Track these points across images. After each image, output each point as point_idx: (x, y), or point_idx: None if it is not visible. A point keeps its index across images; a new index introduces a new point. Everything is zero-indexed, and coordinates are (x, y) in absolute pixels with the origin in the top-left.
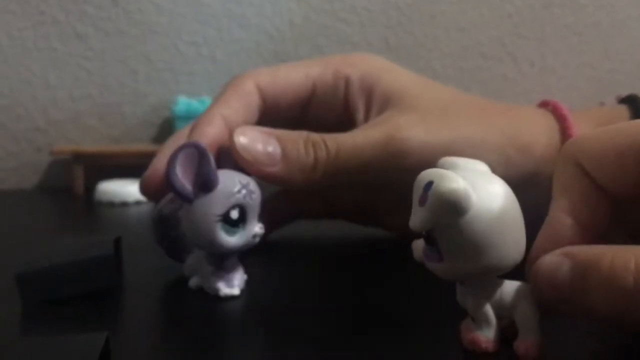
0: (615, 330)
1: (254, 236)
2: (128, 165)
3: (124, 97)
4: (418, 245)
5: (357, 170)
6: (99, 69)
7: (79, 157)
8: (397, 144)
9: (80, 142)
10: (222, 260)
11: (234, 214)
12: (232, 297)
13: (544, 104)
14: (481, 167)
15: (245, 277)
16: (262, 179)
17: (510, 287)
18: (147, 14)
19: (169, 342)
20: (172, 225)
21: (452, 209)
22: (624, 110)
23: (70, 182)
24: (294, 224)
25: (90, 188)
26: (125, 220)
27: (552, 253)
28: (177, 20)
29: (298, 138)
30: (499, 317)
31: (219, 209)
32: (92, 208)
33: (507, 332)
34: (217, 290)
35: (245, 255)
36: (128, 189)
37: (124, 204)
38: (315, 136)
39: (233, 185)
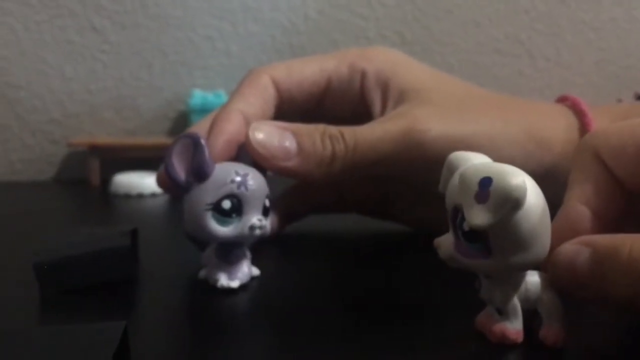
0: (633, 317)
1: (252, 228)
2: (144, 158)
3: (140, 90)
4: (445, 243)
5: (375, 163)
6: (115, 61)
7: (94, 150)
8: (415, 137)
9: (96, 134)
10: (228, 253)
11: (226, 204)
12: (241, 289)
13: (562, 99)
14: (487, 160)
15: (257, 272)
16: (279, 173)
17: (532, 277)
18: (163, 8)
19: (185, 332)
20: None
21: (516, 204)
22: None
23: (86, 174)
24: (307, 218)
25: (106, 180)
26: (141, 212)
27: (571, 242)
28: (193, 13)
29: (314, 131)
30: (524, 307)
31: (210, 198)
32: (108, 200)
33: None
34: (216, 281)
35: (259, 250)
36: (144, 181)
37: (140, 196)
38: (333, 129)
39: (227, 175)
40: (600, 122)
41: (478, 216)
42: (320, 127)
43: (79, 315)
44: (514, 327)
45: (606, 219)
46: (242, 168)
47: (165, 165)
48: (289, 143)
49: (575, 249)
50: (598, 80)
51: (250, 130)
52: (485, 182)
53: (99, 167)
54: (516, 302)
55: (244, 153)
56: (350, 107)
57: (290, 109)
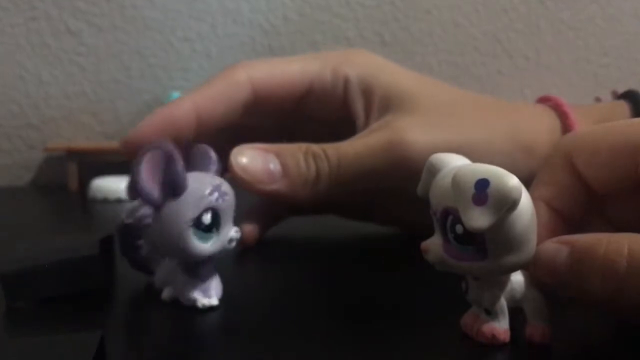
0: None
1: (230, 241)
2: (122, 162)
3: (118, 94)
4: (434, 246)
5: (360, 178)
6: (92, 65)
7: (72, 154)
8: (399, 150)
9: (73, 138)
10: (198, 269)
11: (207, 218)
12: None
13: (544, 100)
14: (467, 162)
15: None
16: (265, 196)
17: (517, 276)
18: (141, 10)
19: (162, 342)
20: (135, 235)
21: (514, 205)
22: (624, 106)
23: (64, 179)
24: (283, 224)
25: (84, 185)
26: (120, 217)
27: (551, 240)
28: (171, 16)
29: (297, 151)
30: (509, 306)
31: (190, 214)
32: (86, 205)
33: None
34: (194, 300)
35: (234, 259)
36: (122, 186)
37: (118, 201)
38: (315, 148)
39: (204, 187)
40: (583, 123)
41: (478, 218)
42: (302, 147)
43: (51, 327)
44: (502, 327)
45: (567, 218)
46: (213, 178)
47: (135, 182)
48: (273, 166)
49: (555, 247)
50: (576, 79)
51: (232, 155)
52: (483, 184)
53: (77, 172)
54: (503, 302)
55: (199, 156)
56: (333, 112)
57: (266, 109)
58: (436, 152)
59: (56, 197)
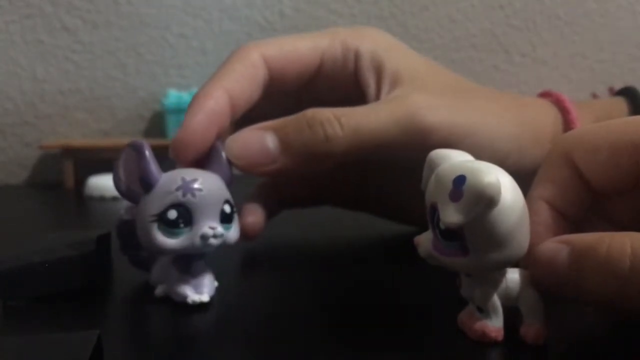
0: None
1: (203, 237)
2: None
3: (114, 90)
4: (425, 241)
5: (377, 147)
6: (87, 62)
7: (68, 152)
8: (420, 123)
9: (69, 136)
10: (189, 265)
11: (172, 214)
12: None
13: (545, 95)
14: (469, 157)
15: (215, 283)
16: (272, 177)
17: (513, 274)
18: (136, 6)
19: (159, 340)
20: (133, 231)
21: (490, 202)
22: (622, 103)
23: (60, 176)
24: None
25: (80, 182)
26: (117, 215)
27: (551, 240)
28: (167, 12)
29: (301, 119)
30: (504, 305)
31: (154, 209)
32: (83, 203)
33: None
34: (184, 296)
35: (233, 259)
36: None
37: (115, 199)
38: (324, 112)
39: (172, 183)
40: (583, 119)
41: (451, 215)
42: (307, 114)
43: (48, 326)
44: (494, 325)
45: (568, 217)
46: (191, 173)
47: (113, 177)
48: (271, 143)
49: (554, 247)
50: (573, 74)
51: (226, 144)
52: (459, 181)
53: (72, 170)
54: (496, 300)
55: (212, 151)
56: (343, 89)
57: (279, 88)
58: (454, 129)
59: (52, 195)
